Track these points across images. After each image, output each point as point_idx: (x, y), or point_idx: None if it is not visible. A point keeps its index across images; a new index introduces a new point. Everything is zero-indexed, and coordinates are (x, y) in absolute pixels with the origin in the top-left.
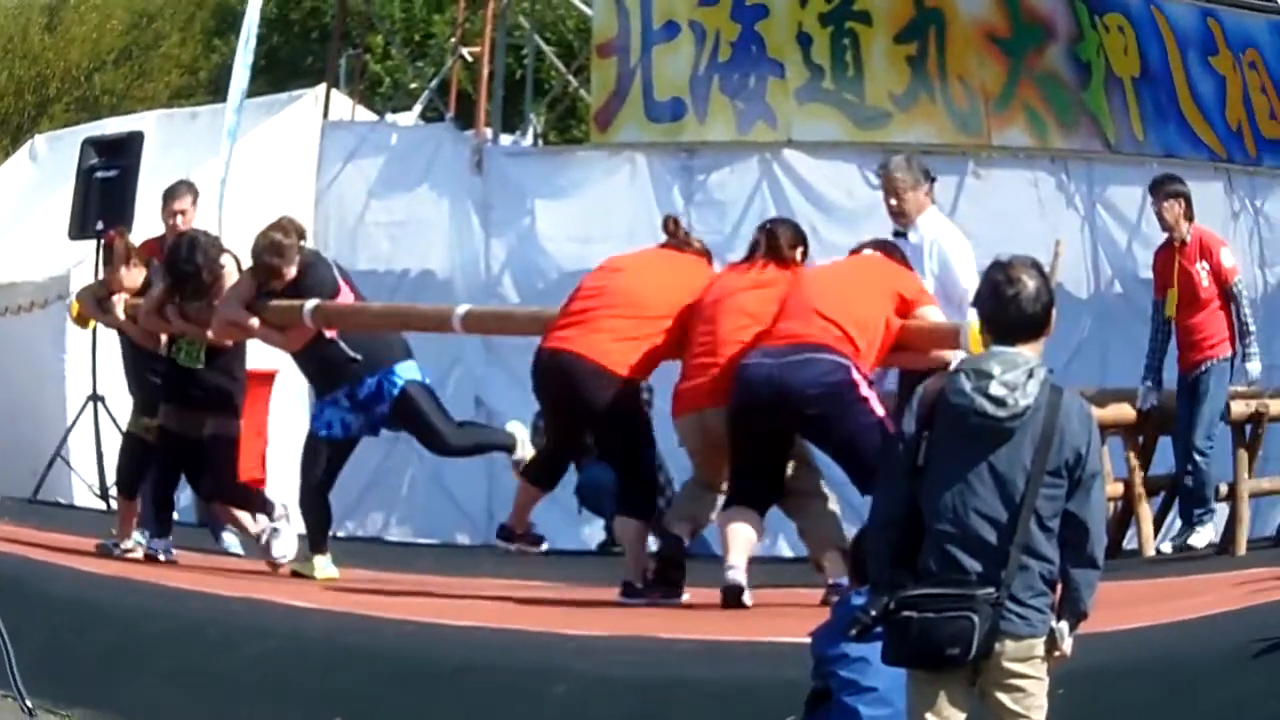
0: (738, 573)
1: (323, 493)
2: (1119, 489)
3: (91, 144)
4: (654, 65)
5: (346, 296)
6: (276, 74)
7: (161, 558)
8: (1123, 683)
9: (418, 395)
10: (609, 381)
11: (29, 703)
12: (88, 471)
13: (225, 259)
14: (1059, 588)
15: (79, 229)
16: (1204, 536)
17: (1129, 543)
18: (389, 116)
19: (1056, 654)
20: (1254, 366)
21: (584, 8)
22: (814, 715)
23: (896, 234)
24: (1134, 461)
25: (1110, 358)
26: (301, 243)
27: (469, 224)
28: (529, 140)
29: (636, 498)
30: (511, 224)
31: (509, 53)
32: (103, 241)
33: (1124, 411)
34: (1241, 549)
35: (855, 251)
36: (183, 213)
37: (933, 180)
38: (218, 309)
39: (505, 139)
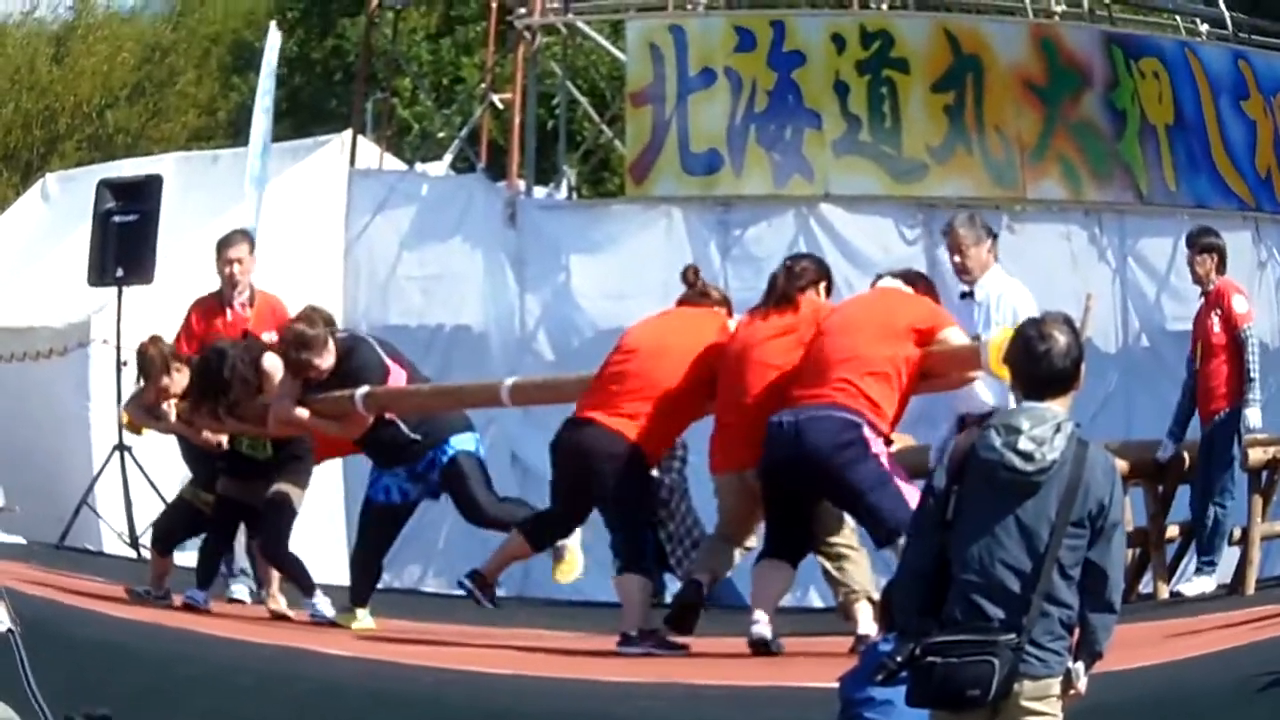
0: (763, 627)
1: (377, 557)
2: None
3: (108, 186)
4: (690, 115)
5: (398, 374)
6: (299, 117)
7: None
8: (1134, 718)
9: (465, 465)
10: (626, 451)
11: None
12: (115, 519)
13: (267, 359)
14: (1076, 630)
15: (98, 276)
16: (1198, 586)
17: (1145, 587)
18: (419, 166)
19: (1072, 692)
20: (1253, 414)
21: (618, 53)
22: None
23: (963, 295)
24: (1154, 510)
25: (1135, 411)
26: (331, 329)
27: (503, 278)
28: (563, 193)
29: (637, 557)
30: (546, 279)
31: (540, 101)
32: (136, 350)
33: (1144, 462)
34: (1250, 589)
35: (877, 279)
36: (239, 261)
37: (995, 237)
38: (270, 410)
39: (539, 191)
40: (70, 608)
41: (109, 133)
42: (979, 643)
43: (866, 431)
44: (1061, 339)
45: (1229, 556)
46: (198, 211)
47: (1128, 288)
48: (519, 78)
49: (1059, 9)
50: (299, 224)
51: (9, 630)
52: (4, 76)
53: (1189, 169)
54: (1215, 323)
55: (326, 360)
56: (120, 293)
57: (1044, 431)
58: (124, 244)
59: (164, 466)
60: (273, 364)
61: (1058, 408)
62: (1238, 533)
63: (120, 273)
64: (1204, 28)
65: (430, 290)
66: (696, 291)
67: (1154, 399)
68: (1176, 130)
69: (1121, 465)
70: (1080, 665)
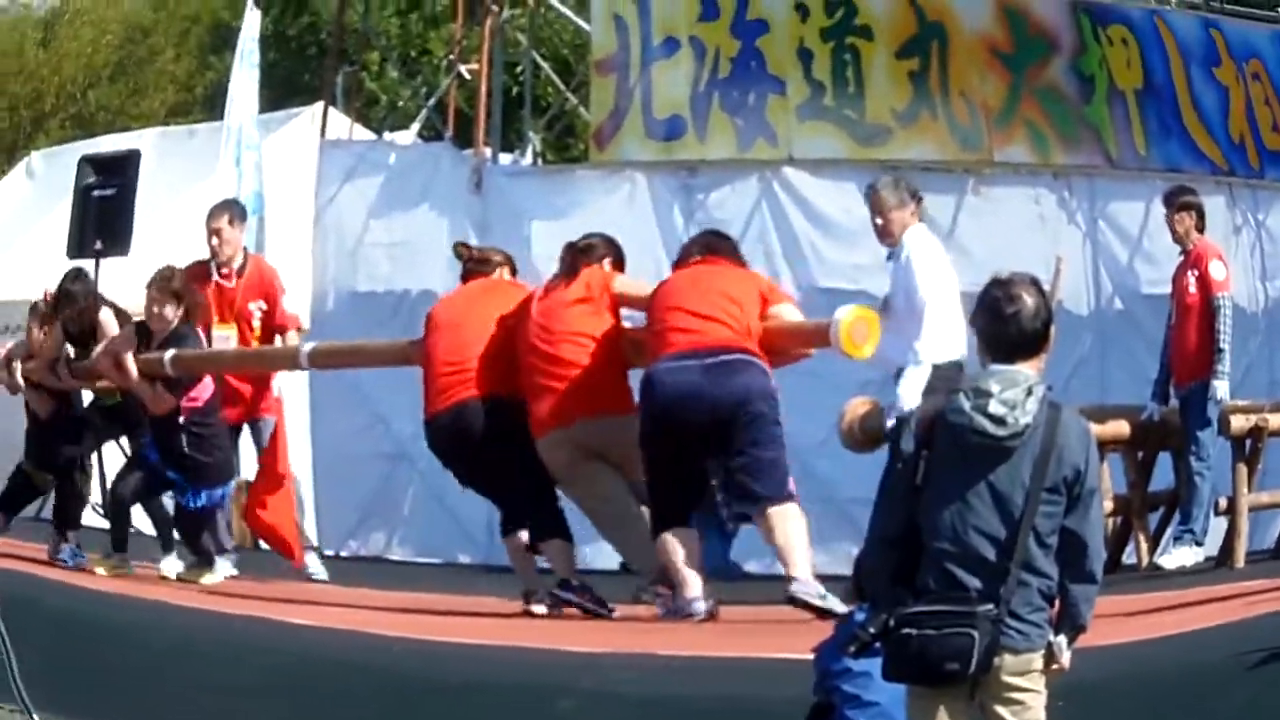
0: (700, 604)
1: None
2: (1111, 504)
3: (89, 162)
4: (653, 82)
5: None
6: (273, 92)
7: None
8: (1122, 695)
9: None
10: (502, 409)
11: (35, 716)
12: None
13: (105, 311)
14: (1056, 602)
15: (77, 248)
16: (1177, 559)
17: (1128, 557)
18: (387, 135)
19: (1055, 667)
20: (1221, 387)
21: (582, 24)
22: None
23: (889, 257)
24: (1134, 477)
25: (1110, 374)
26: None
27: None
28: (528, 159)
29: (549, 522)
30: (509, 245)
31: (505, 69)
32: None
33: (1121, 428)
34: (1240, 561)
35: (682, 261)
36: (217, 232)
37: (919, 199)
38: (106, 348)
39: (504, 158)
40: (40, 578)
41: (91, 111)
42: (957, 614)
43: (773, 386)
44: (1029, 300)
45: (1218, 529)
46: (173, 184)
47: (1099, 250)
48: (485, 48)
49: None
50: (272, 193)
51: None
52: None
53: (1160, 133)
54: (1191, 283)
55: (170, 313)
56: (98, 264)
57: (1015, 395)
58: (103, 217)
59: None
60: (108, 316)
61: (1029, 370)
62: (1224, 503)
63: (99, 245)
64: None
65: (396, 256)
66: (477, 263)
67: (1129, 363)
68: (1146, 95)
69: (1102, 431)
70: (1063, 639)
